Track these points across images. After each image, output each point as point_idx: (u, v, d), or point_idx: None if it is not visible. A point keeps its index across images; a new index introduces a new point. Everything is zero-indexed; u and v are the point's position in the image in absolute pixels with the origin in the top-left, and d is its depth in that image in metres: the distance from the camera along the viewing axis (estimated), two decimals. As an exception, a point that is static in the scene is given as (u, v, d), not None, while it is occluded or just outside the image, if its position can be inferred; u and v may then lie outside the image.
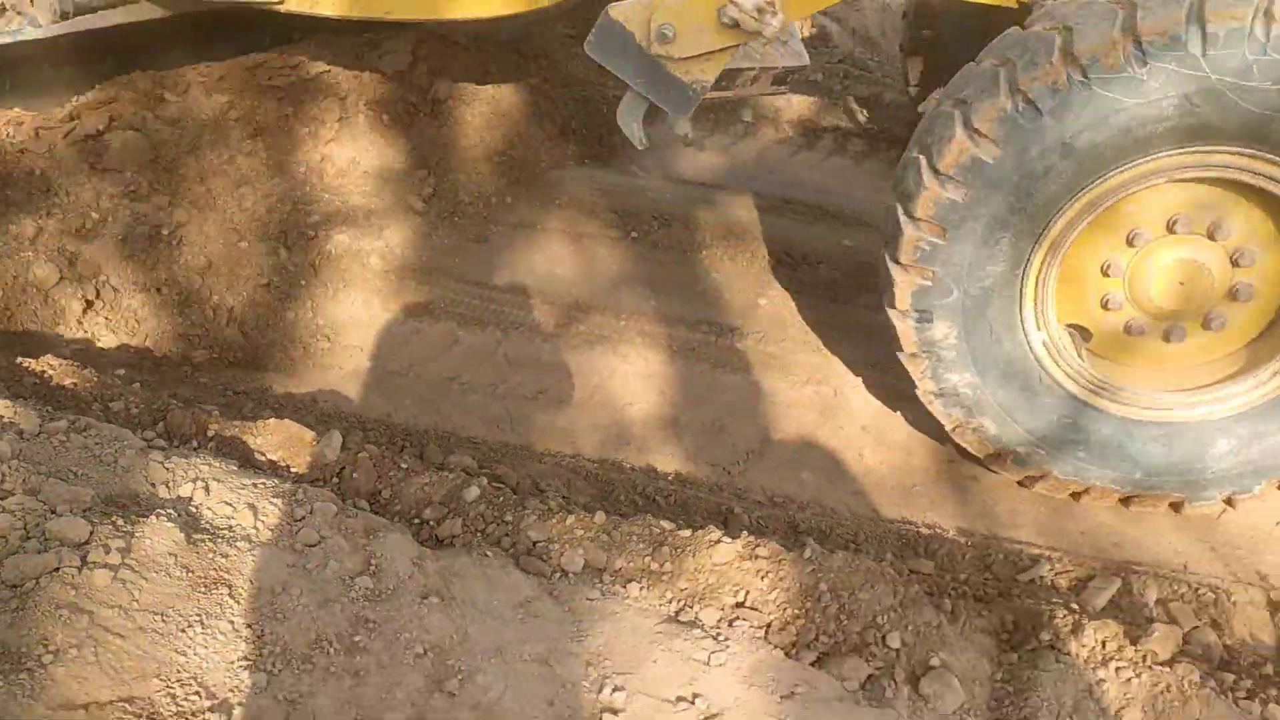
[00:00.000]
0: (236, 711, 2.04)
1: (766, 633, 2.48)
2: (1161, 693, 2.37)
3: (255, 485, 2.53)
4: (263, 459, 2.79)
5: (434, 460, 3.02)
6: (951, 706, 2.34)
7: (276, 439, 2.86)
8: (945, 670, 2.41)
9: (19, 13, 3.68)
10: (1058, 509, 3.29)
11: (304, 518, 2.48)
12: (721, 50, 3.36)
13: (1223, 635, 2.91)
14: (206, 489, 2.47)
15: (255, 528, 2.42)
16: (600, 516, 2.74)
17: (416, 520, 2.76)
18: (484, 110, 4.57)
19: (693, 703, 2.28)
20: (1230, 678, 2.49)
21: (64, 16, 3.68)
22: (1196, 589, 3.05)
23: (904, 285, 2.96)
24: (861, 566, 2.61)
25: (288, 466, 2.81)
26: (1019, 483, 3.27)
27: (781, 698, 2.31)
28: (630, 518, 2.77)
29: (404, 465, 2.89)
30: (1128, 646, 2.49)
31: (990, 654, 2.52)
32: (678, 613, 2.51)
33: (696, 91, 3.41)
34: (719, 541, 2.65)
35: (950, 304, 2.94)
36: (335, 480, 2.81)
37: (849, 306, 4.02)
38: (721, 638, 2.44)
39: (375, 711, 2.13)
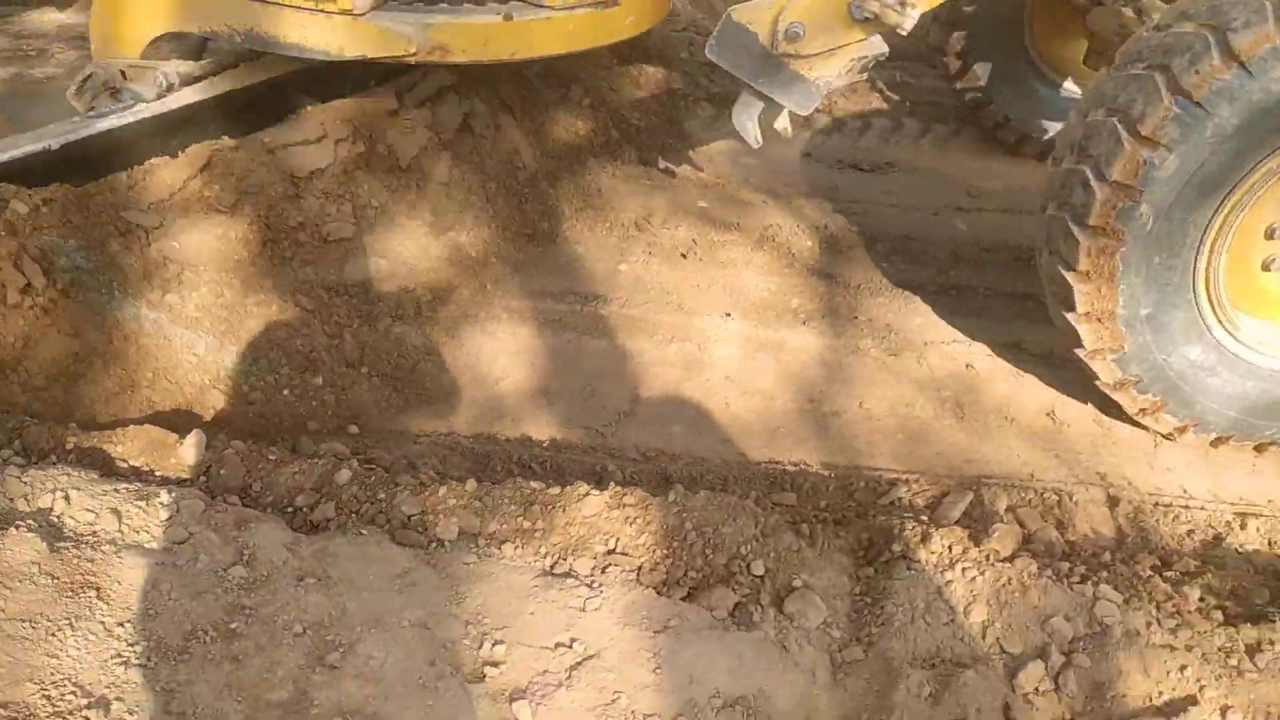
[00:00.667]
0: (114, 706, 2.06)
1: (638, 575, 2.58)
2: (1004, 585, 2.55)
3: (118, 490, 2.53)
4: (125, 466, 2.78)
5: (307, 451, 3.05)
6: (815, 622, 2.48)
7: (138, 445, 2.85)
8: (807, 590, 2.55)
9: (117, 90, 3.59)
10: (913, 435, 3.49)
11: (171, 516, 2.49)
12: (848, 45, 3.47)
13: (1066, 532, 3.13)
14: (67, 498, 2.46)
15: (120, 531, 2.43)
16: (472, 484, 2.81)
17: (290, 509, 2.78)
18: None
19: (570, 646, 2.37)
20: (1065, 566, 2.69)
21: (169, 90, 3.62)
22: (1042, 493, 3.27)
23: (1085, 292, 3.11)
24: (723, 503, 2.73)
25: (152, 471, 2.80)
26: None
27: (655, 633, 2.42)
28: (501, 483, 2.84)
29: (272, 457, 2.91)
30: (972, 549, 2.66)
31: (849, 571, 2.67)
32: (552, 566, 2.59)
33: (820, 88, 3.53)
34: (587, 495, 2.75)
35: (1132, 307, 3.09)
36: (203, 479, 2.81)
37: (704, 264, 4.16)
38: (595, 584, 2.54)
39: (257, 691, 2.17)
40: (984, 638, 2.46)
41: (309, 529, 2.72)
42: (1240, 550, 3.20)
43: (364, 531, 2.64)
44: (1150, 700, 2.34)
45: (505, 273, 4.03)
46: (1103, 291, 3.08)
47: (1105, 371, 3.27)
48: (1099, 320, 3.15)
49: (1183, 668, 2.39)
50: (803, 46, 3.43)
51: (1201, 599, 2.69)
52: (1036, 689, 2.34)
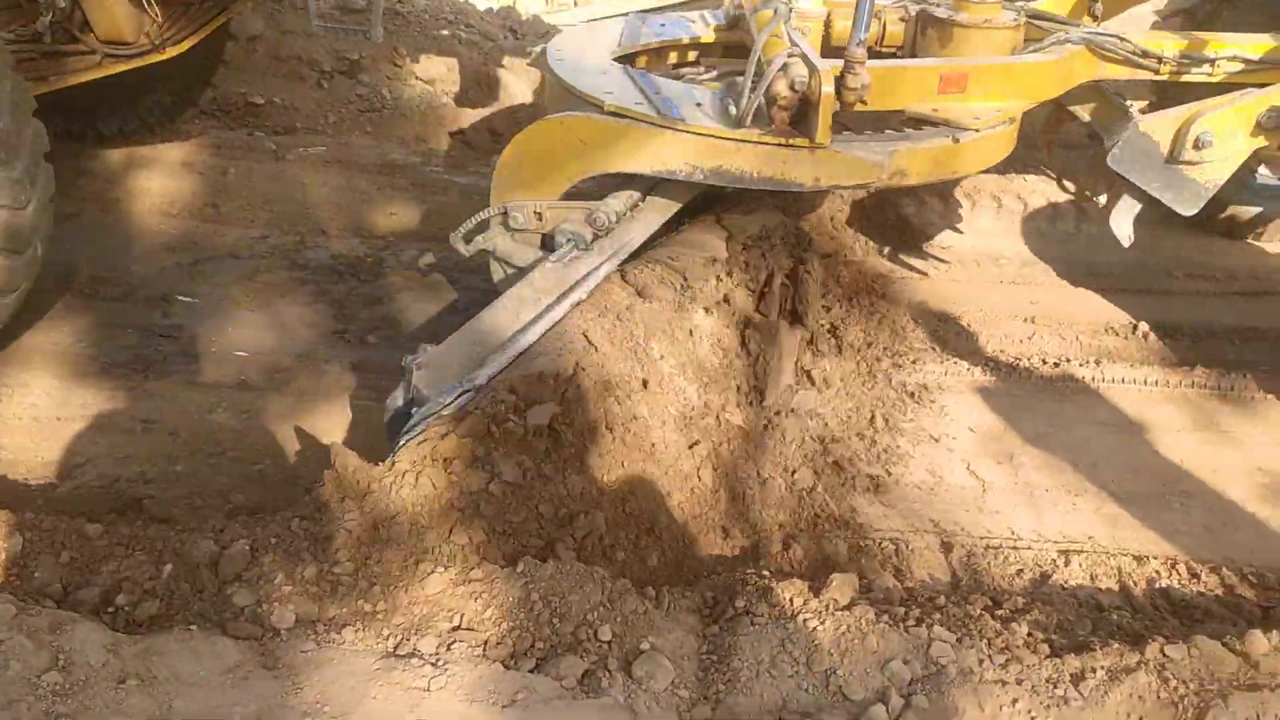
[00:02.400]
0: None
1: (485, 649, 2.54)
2: (844, 633, 2.61)
3: (-84, 599, 2.36)
4: (-74, 571, 2.60)
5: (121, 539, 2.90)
6: (663, 684, 2.49)
7: (-60, 548, 2.66)
8: (655, 651, 2.56)
9: (519, 230, 3.73)
10: (756, 494, 3.56)
11: (-23, 623, 2.33)
12: (1245, 151, 3.95)
13: (904, 578, 3.24)
14: None
15: (-81, 642, 2.25)
16: (310, 570, 2.72)
17: (111, 609, 2.64)
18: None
19: (414, 729, 2.31)
20: (901, 610, 2.78)
21: (608, 229, 3.68)
22: (879, 542, 3.38)
23: None
24: (570, 571, 2.72)
25: (-42, 575, 2.62)
26: None
27: (503, 707, 2.38)
28: (342, 568, 2.76)
29: (93, 551, 2.76)
30: (813, 599, 2.72)
31: (695, 630, 2.69)
32: (395, 648, 2.53)
33: (1208, 189, 3.95)
34: (431, 573, 2.70)
35: None
36: (15, 580, 2.65)
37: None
38: (441, 663, 2.49)
39: (73, 802, 2.03)
40: (827, 686, 2.51)
41: (133, 627, 2.58)
42: (1065, 586, 3.37)
43: (193, 627, 2.52)
44: (986, 734, 2.42)
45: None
46: None
47: None
48: None
49: (1014, 701, 2.48)
50: (1205, 154, 3.86)
51: (1029, 634, 2.80)
52: (879, 732, 2.39)
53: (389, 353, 4.24)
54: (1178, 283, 5.20)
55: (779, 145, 3.58)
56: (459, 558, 2.76)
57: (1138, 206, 4.14)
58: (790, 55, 3.52)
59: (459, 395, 2.98)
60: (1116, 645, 2.71)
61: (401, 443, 2.90)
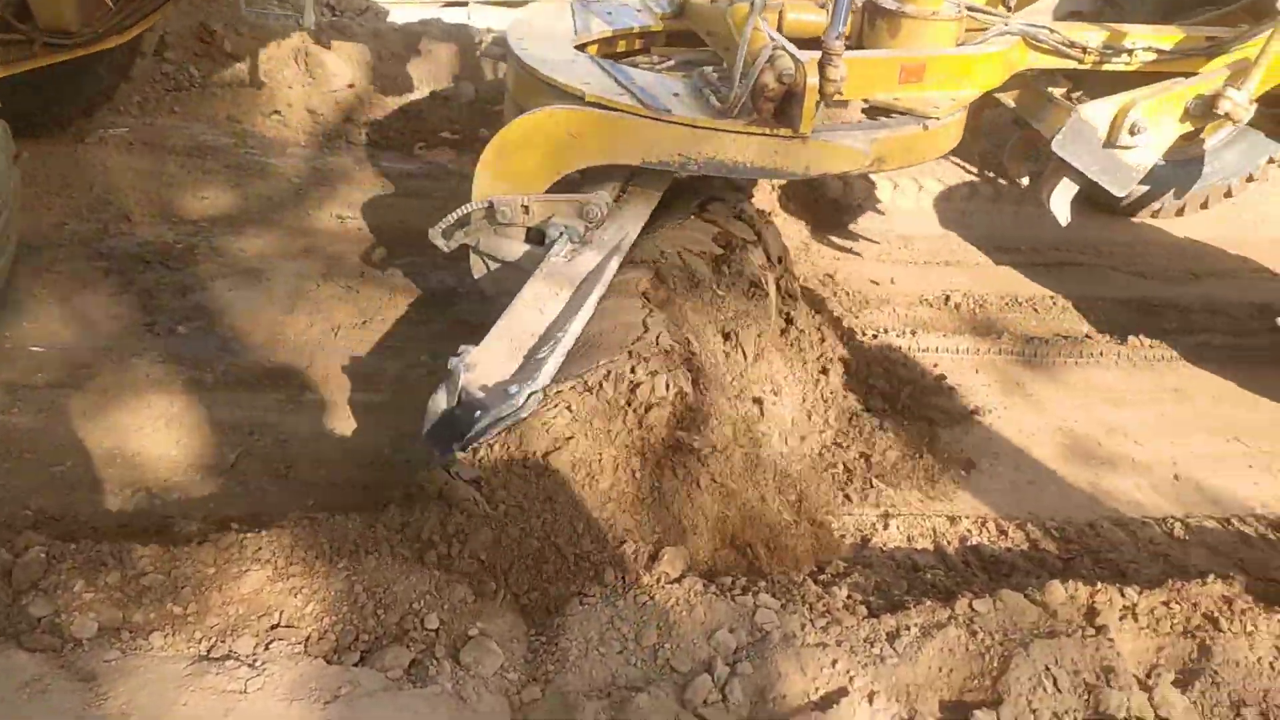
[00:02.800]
0: None
1: (306, 646, 2.46)
2: (673, 606, 2.65)
3: None
4: None
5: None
6: (492, 668, 2.47)
7: None
8: (483, 637, 2.53)
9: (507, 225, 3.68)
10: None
11: None
12: (1173, 136, 4.31)
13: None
14: None
15: None
16: (114, 575, 2.58)
17: (-111, 627, 2.43)
18: None
19: (230, 733, 2.22)
20: (729, 580, 2.83)
21: (599, 221, 3.70)
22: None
23: None
24: (395, 560, 2.67)
25: None
26: None
27: (325, 704, 2.31)
28: (148, 573, 2.63)
29: None
30: (644, 575, 2.75)
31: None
32: (209, 650, 2.42)
33: (1139, 171, 4.30)
34: (246, 571, 2.60)
35: None
36: None
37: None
38: (259, 663, 2.39)
39: None
40: (655, 659, 2.53)
41: (-86, 647, 2.38)
42: (884, 549, 3.51)
43: (-18, 641, 2.35)
44: (808, 697, 2.49)
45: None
46: None
47: None
48: None
49: (834, 662, 2.57)
50: (1139, 139, 4.19)
51: (849, 596, 2.91)
52: (705, 701, 2.43)
53: (201, 344, 4.06)
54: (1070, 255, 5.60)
55: (771, 136, 3.66)
56: (280, 553, 2.67)
57: (1075, 188, 4.42)
58: (775, 48, 3.56)
59: (529, 397, 2.97)
60: (929, 603, 2.84)
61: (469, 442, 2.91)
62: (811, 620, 2.69)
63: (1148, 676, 2.67)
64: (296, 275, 4.58)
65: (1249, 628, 2.80)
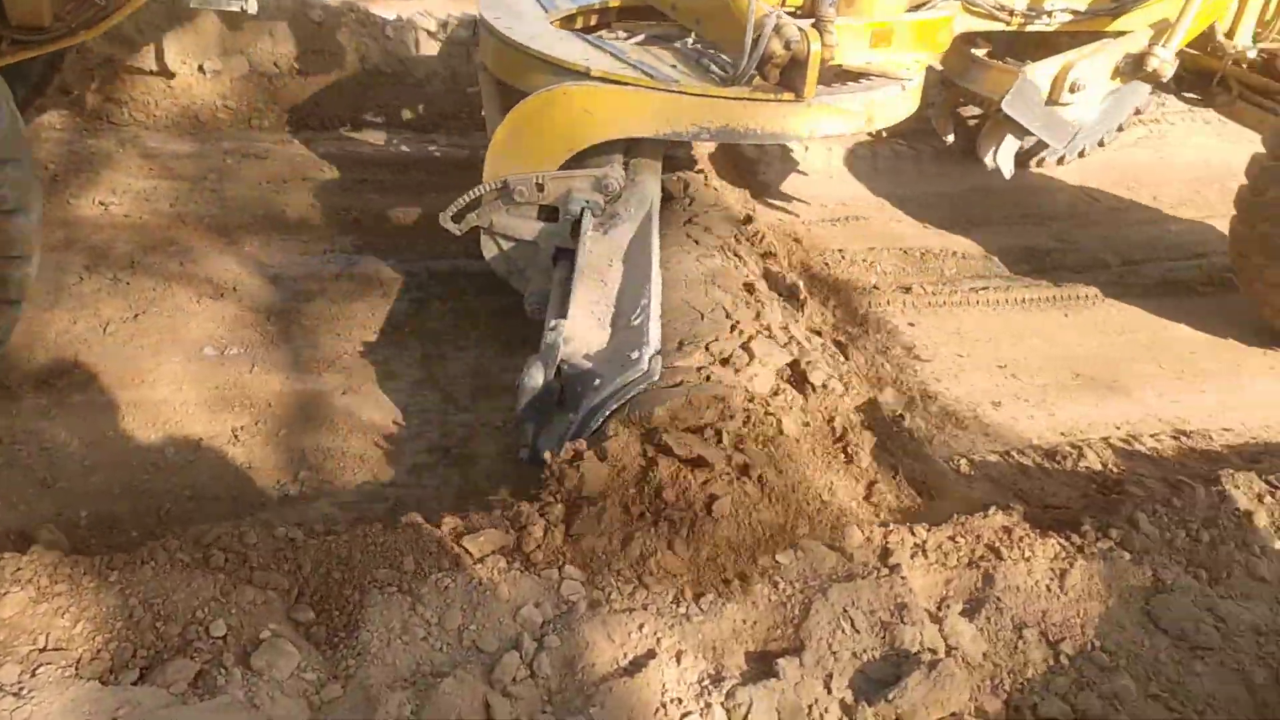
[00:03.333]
0: None
1: (77, 668, 2.28)
2: (477, 587, 2.59)
3: None
4: None
5: None
6: (287, 670, 2.35)
7: None
8: (277, 638, 2.40)
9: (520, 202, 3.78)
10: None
11: None
12: (1106, 92, 4.70)
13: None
14: None
15: None
16: None
17: None
18: None
19: (-9, 771, 2.03)
20: (539, 554, 2.78)
21: (615, 193, 3.85)
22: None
23: None
24: (175, 568, 2.50)
25: None
26: None
27: (102, 728, 2.15)
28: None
29: None
30: (444, 557, 2.68)
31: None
32: (-35, 684, 2.20)
33: (1076, 126, 4.66)
34: (5, 594, 2.38)
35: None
36: None
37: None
38: (25, 691, 2.20)
39: None
40: (461, 641, 2.48)
41: None
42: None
43: None
44: (617, 663, 2.49)
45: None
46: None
47: None
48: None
49: (641, 626, 2.57)
50: (1077, 96, 4.52)
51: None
52: (514, 679, 2.39)
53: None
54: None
55: (778, 101, 3.78)
56: (42, 572, 2.46)
57: (1017, 144, 4.79)
58: (779, 17, 3.66)
59: (651, 360, 3.09)
60: (734, 557, 2.88)
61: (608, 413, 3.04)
62: (618, 587, 2.68)
63: (938, 609, 2.80)
64: (56, 268, 4.23)
65: (1026, 554, 2.98)
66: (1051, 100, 4.61)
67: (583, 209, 3.79)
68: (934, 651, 2.65)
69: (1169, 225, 6.03)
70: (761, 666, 2.58)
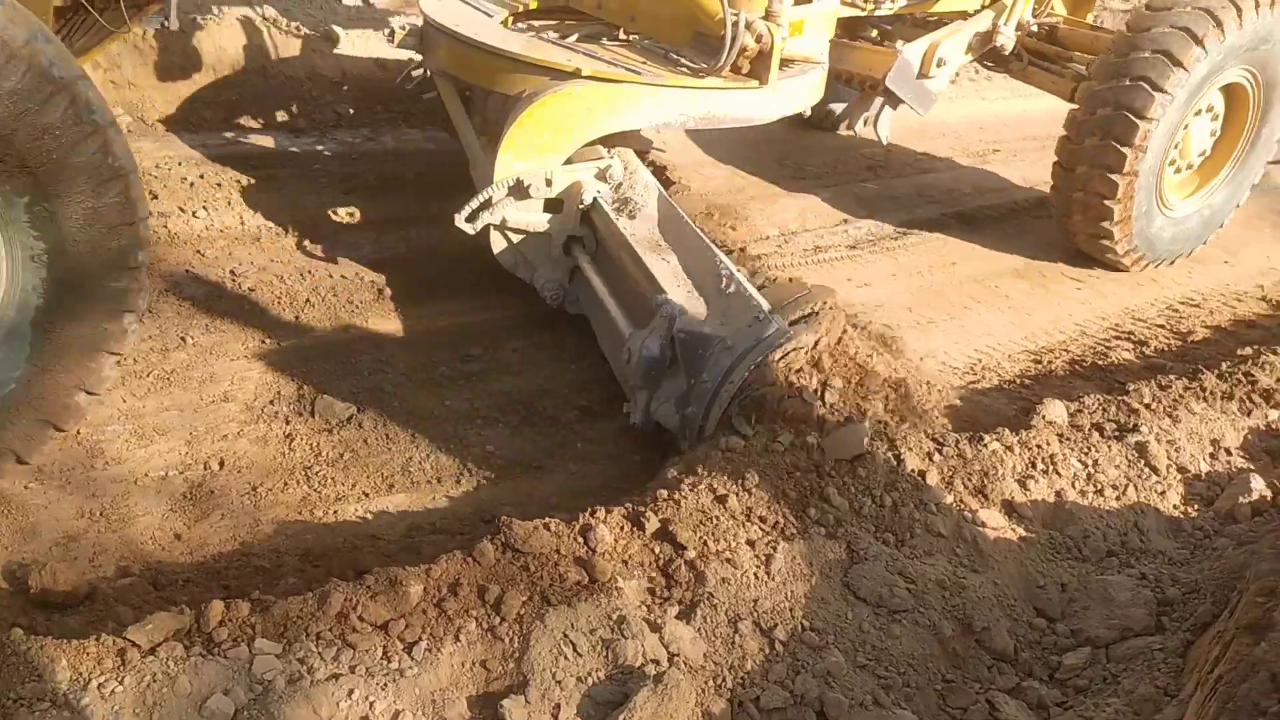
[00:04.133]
0: None
1: None
2: (149, 686, 2.26)
3: None
4: None
5: None
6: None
7: None
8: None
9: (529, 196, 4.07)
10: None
11: None
12: (960, 64, 5.54)
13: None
14: None
15: None
16: None
17: None
18: None
19: None
20: (224, 632, 2.47)
21: (618, 181, 4.27)
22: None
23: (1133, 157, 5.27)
24: None
25: None
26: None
27: None
28: None
29: None
30: (108, 656, 2.32)
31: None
32: None
33: (936, 95, 5.34)
34: None
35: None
36: None
37: None
38: None
39: None
40: (138, 755, 2.15)
41: None
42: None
43: None
44: (326, 738, 2.26)
45: None
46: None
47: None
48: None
49: (350, 692, 2.36)
50: (941, 70, 5.23)
51: (359, 618, 2.69)
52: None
53: None
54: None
55: (748, 89, 4.32)
56: None
57: (892, 113, 5.47)
58: (747, 14, 4.18)
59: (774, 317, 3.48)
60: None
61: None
62: (319, 652, 2.44)
63: (652, 615, 2.77)
64: None
65: (731, 544, 3.02)
66: (921, 74, 5.32)
67: (594, 196, 4.12)
68: (658, 662, 2.62)
69: (967, 170, 7.14)
70: (486, 712, 2.44)
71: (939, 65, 5.33)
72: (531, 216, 4.15)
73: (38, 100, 2.64)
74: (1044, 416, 3.74)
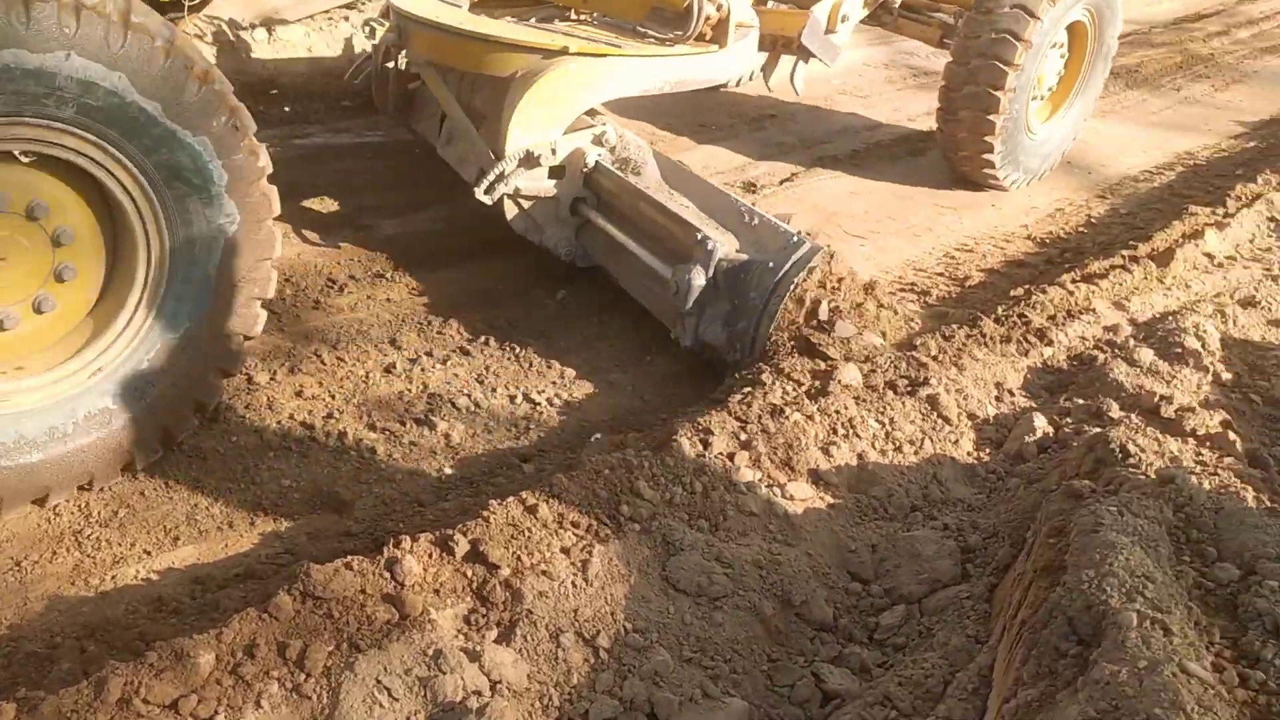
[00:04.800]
0: None
1: None
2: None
3: None
4: None
5: None
6: None
7: None
8: None
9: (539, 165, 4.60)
10: None
11: None
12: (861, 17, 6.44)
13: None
14: None
15: None
16: None
17: None
18: None
19: None
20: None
21: (613, 143, 4.80)
22: None
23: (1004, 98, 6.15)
24: None
25: None
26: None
27: None
28: None
29: None
30: None
31: None
32: None
33: (840, 48, 5.98)
34: None
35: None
36: None
37: None
38: None
39: None
40: None
41: None
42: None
43: None
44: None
45: None
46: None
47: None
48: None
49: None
50: (844, 26, 5.92)
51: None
52: None
53: None
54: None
55: (710, 54, 4.84)
56: None
57: (805, 68, 5.94)
58: None
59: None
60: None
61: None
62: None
63: (470, 644, 2.66)
64: None
65: (545, 554, 2.93)
66: (829, 31, 5.92)
67: (595, 160, 4.62)
68: (480, 693, 2.51)
69: (847, 115, 7.95)
70: (299, 781, 2.28)
71: (843, 21, 6.10)
72: (541, 184, 4.61)
73: (214, 111, 3.12)
74: (839, 380, 3.81)
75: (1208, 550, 2.60)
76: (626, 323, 4.71)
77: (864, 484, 3.54)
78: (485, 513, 2.99)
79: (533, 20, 5.31)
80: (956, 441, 3.78)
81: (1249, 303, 5.03)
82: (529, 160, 4.50)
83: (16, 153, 2.90)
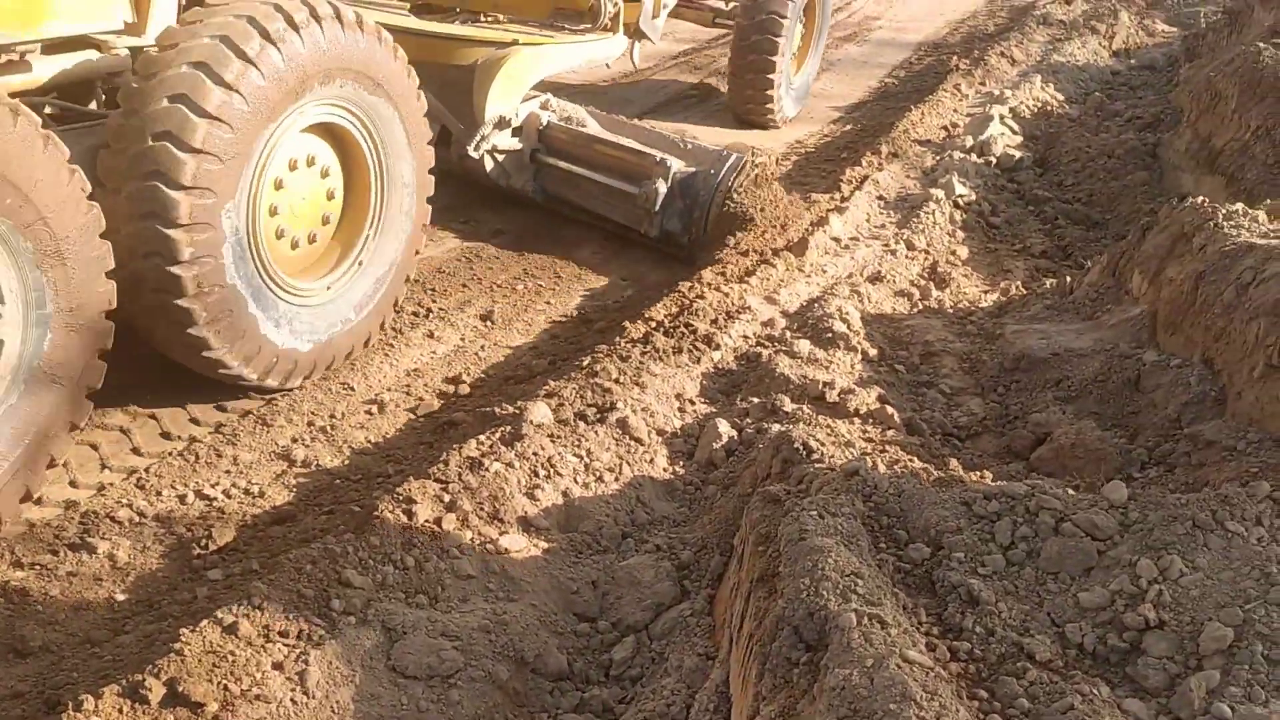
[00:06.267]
0: None
1: None
2: None
3: None
4: None
5: None
6: None
7: None
8: None
9: (518, 128, 6.25)
10: None
11: None
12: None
13: None
14: None
15: None
16: None
17: None
18: None
19: None
20: None
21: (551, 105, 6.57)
22: None
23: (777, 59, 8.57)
24: None
25: None
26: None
27: None
28: None
29: None
30: None
31: None
32: None
33: (660, 29, 7.55)
34: None
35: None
36: None
37: None
38: None
39: None
40: None
41: None
42: None
43: None
44: None
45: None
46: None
47: None
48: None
49: None
50: (665, 12, 7.65)
51: None
52: None
53: None
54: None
55: (611, 39, 6.62)
56: None
57: (639, 46, 7.22)
58: None
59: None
60: None
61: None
62: None
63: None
64: None
65: (254, 674, 2.67)
66: (656, 14, 7.30)
67: (547, 121, 6.15)
68: None
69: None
70: None
71: (663, 8, 7.56)
72: (510, 141, 6.04)
73: None
74: (530, 420, 3.79)
75: (899, 534, 2.82)
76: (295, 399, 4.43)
77: (574, 521, 3.54)
78: (178, 644, 2.69)
79: (456, 23, 6.52)
80: (652, 460, 3.88)
81: (876, 278, 5.57)
82: (502, 124, 5.91)
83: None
